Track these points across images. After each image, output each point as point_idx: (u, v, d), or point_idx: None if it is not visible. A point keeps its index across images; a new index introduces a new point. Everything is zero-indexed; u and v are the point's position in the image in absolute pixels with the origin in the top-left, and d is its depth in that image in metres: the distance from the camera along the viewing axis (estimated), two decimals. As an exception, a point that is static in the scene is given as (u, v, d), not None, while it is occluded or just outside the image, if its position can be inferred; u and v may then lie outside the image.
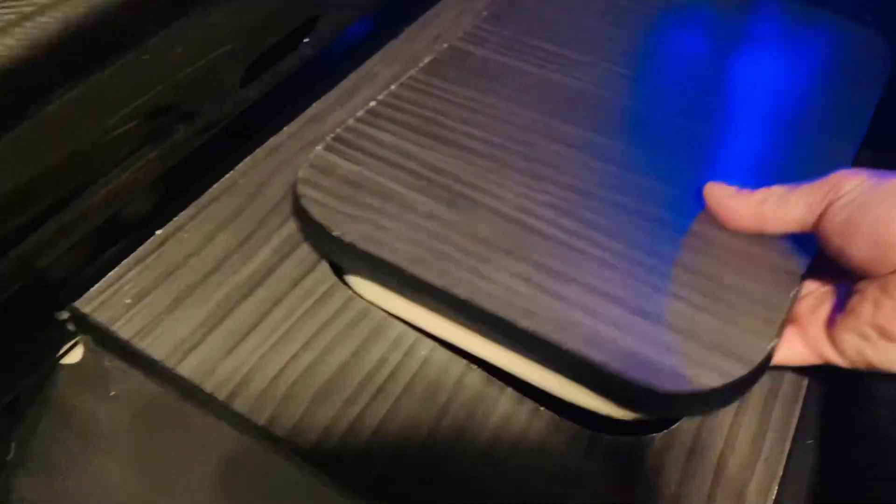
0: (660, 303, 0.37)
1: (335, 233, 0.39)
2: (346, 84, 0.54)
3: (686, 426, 0.39)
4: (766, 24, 0.56)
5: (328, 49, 0.52)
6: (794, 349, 0.38)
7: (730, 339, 0.36)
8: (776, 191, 0.38)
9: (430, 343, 0.41)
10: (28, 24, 0.27)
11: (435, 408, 0.38)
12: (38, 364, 0.39)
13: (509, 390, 0.39)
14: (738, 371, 0.35)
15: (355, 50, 0.56)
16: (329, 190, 0.42)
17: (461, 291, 0.37)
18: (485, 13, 0.56)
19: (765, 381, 0.40)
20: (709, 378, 0.34)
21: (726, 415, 0.39)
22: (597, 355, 0.35)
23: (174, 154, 0.41)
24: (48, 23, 0.27)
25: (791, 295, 0.38)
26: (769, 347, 0.36)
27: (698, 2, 0.58)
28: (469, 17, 0.60)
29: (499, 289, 0.38)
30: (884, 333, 0.33)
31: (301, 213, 0.41)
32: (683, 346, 0.35)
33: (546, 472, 0.36)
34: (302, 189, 0.42)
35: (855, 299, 0.35)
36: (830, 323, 0.36)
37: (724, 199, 0.39)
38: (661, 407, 0.36)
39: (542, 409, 0.39)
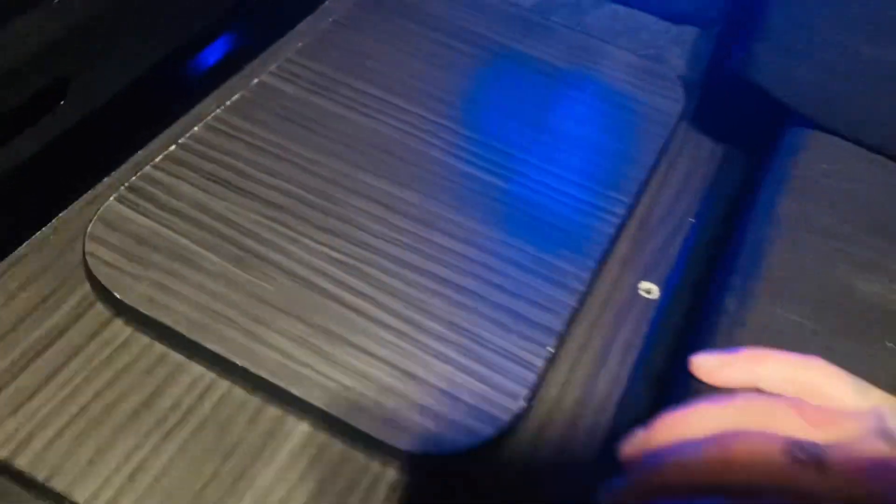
0: (425, 363, 0.40)
1: (117, 295, 0.41)
2: (175, 128, 0.53)
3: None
4: (564, 59, 0.59)
5: (159, 89, 0.52)
6: None
7: (483, 402, 0.39)
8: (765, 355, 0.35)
9: (226, 383, 0.43)
10: None
11: (222, 448, 0.40)
12: None
13: (305, 423, 0.41)
14: (486, 432, 0.38)
15: (189, 90, 0.55)
16: (117, 247, 0.42)
17: (237, 358, 0.39)
18: (299, 44, 0.57)
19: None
20: (460, 439, 0.38)
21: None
22: (359, 422, 0.38)
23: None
24: None
25: (545, 353, 0.41)
26: (518, 408, 0.39)
27: (511, 40, 0.60)
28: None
29: (274, 353, 0.40)
30: None
31: (88, 273, 0.42)
32: (441, 408, 0.39)
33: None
34: (90, 246, 0.42)
35: None
36: None
37: (715, 372, 0.36)
38: (417, 464, 0.39)
39: (333, 440, 0.41)
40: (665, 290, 0.48)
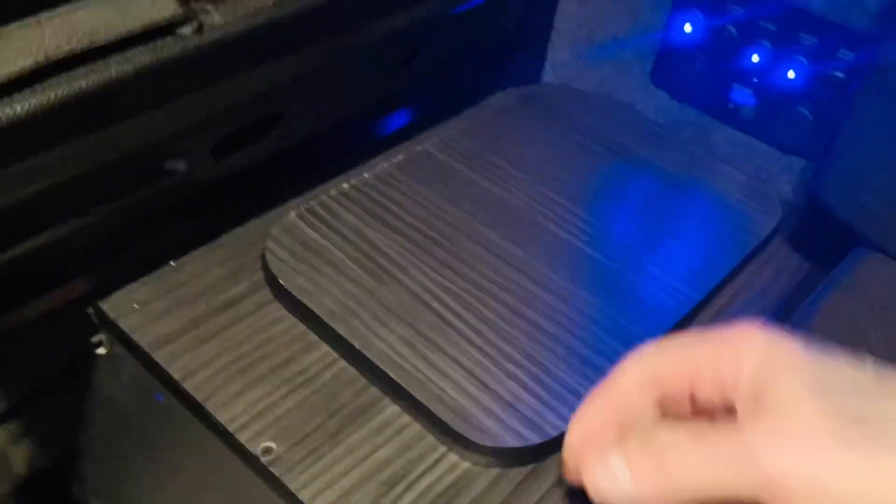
0: (498, 378, 0.50)
1: (280, 282, 0.54)
2: (352, 172, 0.65)
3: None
4: (679, 167, 0.69)
5: (346, 140, 0.66)
6: None
7: (536, 415, 0.48)
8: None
9: (344, 363, 0.52)
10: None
11: (330, 409, 0.48)
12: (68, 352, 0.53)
13: (396, 406, 0.50)
14: (532, 440, 0.47)
15: (371, 145, 0.69)
16: (288, 249, 0.56)
17: (357, 343, 0.51)
18: (461, 126, 0.70)
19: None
20: (510, 439, 0.47)
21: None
22: (437, 409, 0.48)
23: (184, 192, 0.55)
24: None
25: (592, 388, 0.50)
26: (563, 427, 0.48)
27: (639, 147, 0.71)
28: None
29: (385, 346, 0.51)
30: None
31: (263, 263, 0.55)
32: (502, 414, 0.48)
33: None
34: (269, 244, 0.56)
35: None
36: None
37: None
38: (474, 451, 0.48)
39: (414, 422, 0.50)
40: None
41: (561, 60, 0.76)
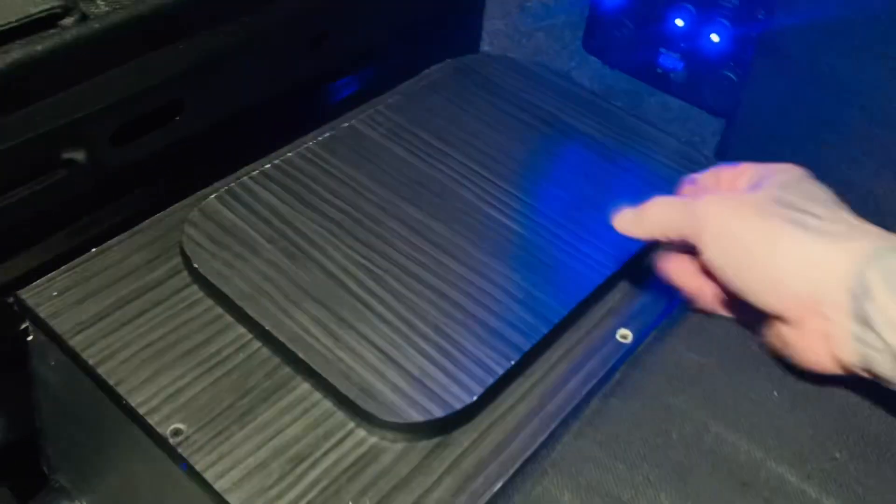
0: (406, 353, 0.51)
1: (196, 266, 0.54)
2: (277, 153, 0.65)
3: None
4: (610, 136, 0.68)
5: (270, 121, 0.66)
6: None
7: (442, 390, 0.49)
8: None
9: (258, 343, 0.52)
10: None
11: (242, 389, 0.49)
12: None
13: (307, 384, 0.50)
14: (436, 413, 0.48)
15: (296, 126, 0.69)
16: (206, 233, 0.57)
17: (267, 324, 0.51)
18: (389, 100, 0.70)
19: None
20: (415, 414, 0.48)
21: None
22: (343, 386, 0.49)
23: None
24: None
25: (506, 364, 0.50)
26: (470, 400, 0.48)
27: (572, 118, 0.70)
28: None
29: (296, 326, 0.52)
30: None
31: (181, 248, 0.56)
32: (408, 389, 0.49)
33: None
34: (187, 229, 0.57)
35: None
36: None
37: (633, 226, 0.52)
38: (380, 426, 0.49)
39: (324, 400, 0.50)
40: (637, 336, 0.55)
41: (496, 30, 0.76)
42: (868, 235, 0.39)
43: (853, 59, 0.46)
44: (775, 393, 0.42)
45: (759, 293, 0.41)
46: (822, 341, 0.39)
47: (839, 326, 0.37)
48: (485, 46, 0.78)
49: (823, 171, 0.50)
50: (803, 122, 0.49)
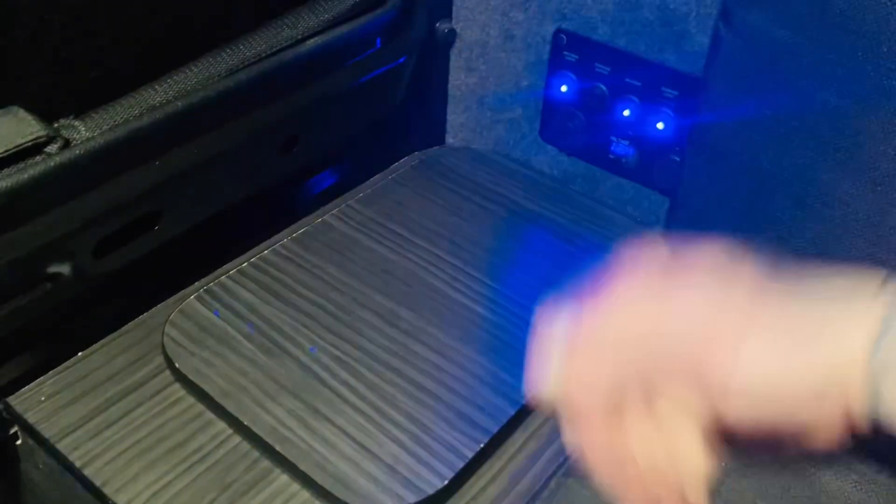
0: (379, 442, 0.53)
1: (177, 365, 0.57)
2: (254, 251, 0.69)
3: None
4: (570, 219, 0.72)
5: (243, 224, 0.70)
6: None
7: (414, 476, 0.51)
8: None
9: (238, 438, 0.55)
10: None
11: (223, 484, 0.51)
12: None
13: (285, 476, 0.53)
14: (411, 499, 0.50)
15: (271, 224, 0.72)
16: (187, 332, 0.59)
17: (245, 419, 0.54)
18: (360, 195, 0.74)
19: None
20: (389, 501, 0.50)
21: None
22: (319, 477, 0.51)
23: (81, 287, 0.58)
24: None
25: (475, 447, 0.53)
26: (441, 485, 0.51)
27: (533, 204, 0.74)
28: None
29: (273, 420, 0.54)
30: None
31: (162, 348, 0.59)
32: (382, 477, 0.51)
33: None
34: (168, 329, 0.60)
35: None
36: None
37: None
38: None
39: (302, 490, 0.52)
40: (600, 413, 0.58)
41: (459, 123, 0.80)
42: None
43: (776, 149, 0.50)
44: (723, 464, 0.45)
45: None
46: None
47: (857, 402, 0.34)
48: (449, 139, 0.83)
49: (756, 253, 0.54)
50: (734, 207, 0.52)
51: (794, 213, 0.50)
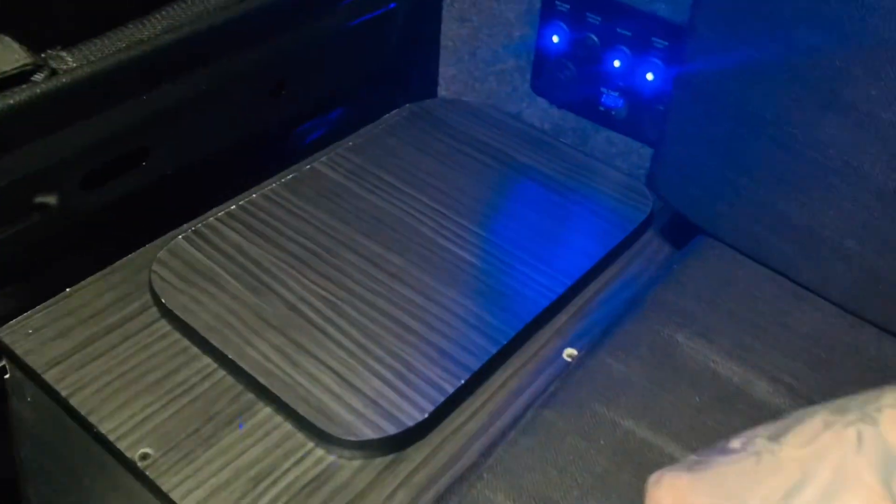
0: (361, 376, 0.54)
1: (163, 301, 0.58)
2: (244, 195, 0.69)
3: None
4: (557, 170, 0.73)
5: (236, 166, 0.70)
6: None
7: (395, 409, 0.52)
8: None
9: (223, 372, 0.55)
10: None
11: (206, 415, 0.52)
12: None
13: (268, 408, 0.53)
14: (390, 431, 0.51)
15: (263, 169, 0.73)
16: (174, 270, 0.60)
17: (230, 353, 0.55)
18: (350, 143, 0.74)
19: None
20: (370, 432, 0.51)
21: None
22: (302, 409, 0.52)
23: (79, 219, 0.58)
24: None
25: (456, 383, 0.54)
26: (421, 418, 0.52)
27: (523, 156, 0.75)
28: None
29: (258, 355, 0.55)
30: None
31: (150, 285, 0.59)
32: (364, 410, 0.52)
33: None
34: (155, 267, 0.60)
35: None
36: None
37: None
38: (336, 445, 0.52)
39: (284, 422, 0.53)
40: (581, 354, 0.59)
41: (451, 75, 0.80)
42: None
43: (761, 92, 0.51)
44: (697, 398, 0.45)
45: None
46: None
47: None
48: (441, 91, 0.83)
49: (740, 195, 0.54)
50: (720, 151, 0.53)
51: (778, 156, 0.50)
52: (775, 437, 0.36)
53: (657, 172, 0.58)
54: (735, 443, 0.37)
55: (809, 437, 0.35)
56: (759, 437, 0.36)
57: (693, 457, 0.38)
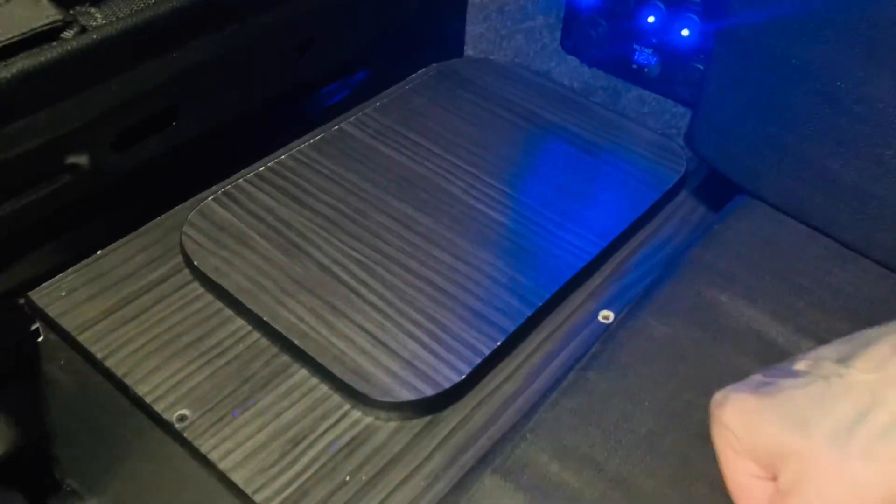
0: (397, 338, 0.53)
1: (196, 263, 0.57)
2: (272, 156, 0.68)
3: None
4: (588, 130, 0.71)
5: (264, 126, 0.69)
6: None
7: (432, 370, 0.52)
8: None
9: (257, 334, 0.55)
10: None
11: (242, 377, 0.52)
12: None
13: (304, 370, 0.53)
14: (427, 392, 0.51)
15: (290, 130, 0.72)
16: (205, 232, 0.59)
17: (265, 315, 0.54)
18: (376, 104, 0.73)
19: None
20: (407, 393, 0.50)
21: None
22: (338, 370, 0.51)
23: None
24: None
25: (492, 345, 0.53)
26: (458, 379, 0.51)
27: (553, 115, 0.73)
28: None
29: (292, 316, 0.54)
30: None
31: (181, 247, 0.59)
32: (400, 371, 0.51)
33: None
34: (186, 229, 0.60)
35: None
36: None
37: None
38: (373, 406, 0.51)
39: (321, 384, 0.53)
40: (617, 315, 0.58)
41: (478, 34, 0.79)
42: None
43: (806, 45, 0.49)
44: (741, 359, 0.45)
45: None
46: None
47: None
48: (468, 50, 0.81)
49: (783, 152, 0.53)
50: (762, 107, 0.51)
51: (822, 110, 0.49)
52: (843, 360, 0.35)
53: (696, 131, 0.57)
54: (801, 364, 0.36)
55: (879, 362, 0.34)
56: (826, 359, 0.36)
57: (758, 377, 0.37)
